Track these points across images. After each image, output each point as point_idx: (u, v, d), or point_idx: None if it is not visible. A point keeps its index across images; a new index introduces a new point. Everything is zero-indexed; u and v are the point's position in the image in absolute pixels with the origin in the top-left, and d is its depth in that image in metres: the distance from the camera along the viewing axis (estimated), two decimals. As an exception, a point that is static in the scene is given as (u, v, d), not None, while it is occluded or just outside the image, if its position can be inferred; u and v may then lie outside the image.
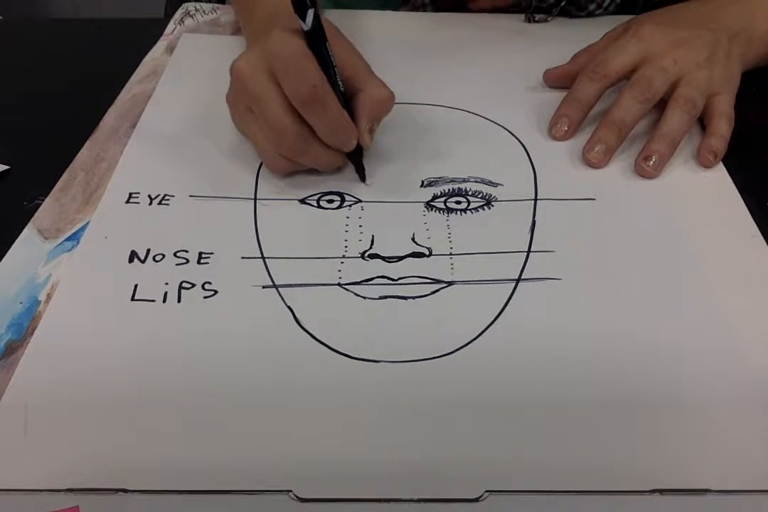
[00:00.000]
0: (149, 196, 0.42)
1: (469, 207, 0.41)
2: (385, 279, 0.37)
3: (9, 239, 0.39)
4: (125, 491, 0.28)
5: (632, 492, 0.28)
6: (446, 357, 0.33)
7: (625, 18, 0.51)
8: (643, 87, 0.44)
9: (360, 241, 0.39)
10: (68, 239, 0.39)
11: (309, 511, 0.27)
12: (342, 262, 0.38)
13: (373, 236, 0.39)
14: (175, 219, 0.40)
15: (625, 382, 0.32)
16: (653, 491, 0.28)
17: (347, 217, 0.40)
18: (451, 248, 0.38)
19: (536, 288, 0.36)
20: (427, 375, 0.32)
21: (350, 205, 0.41)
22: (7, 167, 0.44)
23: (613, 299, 0.35)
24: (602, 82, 0.45)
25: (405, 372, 0.32)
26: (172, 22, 0.60)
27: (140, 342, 0.33)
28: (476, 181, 0.42)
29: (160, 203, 0.41)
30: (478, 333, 0.34)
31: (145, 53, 0.56)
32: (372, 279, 0.37)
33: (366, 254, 0.38)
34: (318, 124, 0.38)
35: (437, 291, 0.36)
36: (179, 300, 0.35)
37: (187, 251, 0.38)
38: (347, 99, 0.40)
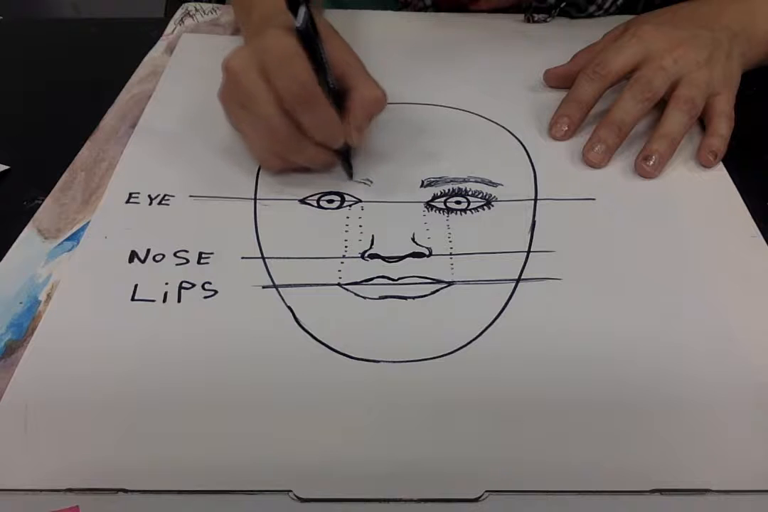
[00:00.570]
0: (149, 196, 0.42)
1: (469, 207, 0.41)
2: (385, 279, 0.36)
3: (9, 239, 0.39)
4: (125, 491, 0.28)
5: (632, 492, 0.28)
6: (446, 357, 0.33)
7: (625, 18, 0.51)
8: (643, 87, 0.44)
9: (360, 241, 0.39)
10: (68, 239, 0.39)
11: (309, 511, 0.27)
12: (342, 262, 0.38)
13: (373, 236, 0.39)
14: (175, 219, 0.40)
15: (625, 382, 0.32)
16: (653, 491, 0.28)
17: (347, 217, 0.40)
18: (451, 248, 0.38)
19: (536, 288, 0.36)
20: (427, 375, 0.32)
21: (350, 205, 0.41)
22: (7, 167, 0.45)
23: (613, 299, 0.35)
24: (602, 82, 0.45)
25: (405, 372, 0.32)
26: (172, 22, 0.60)
27: (140, 342, 0.33)
28: (476, 181, 0.42)
29: (160, 203, 0.41)
30: (478, 333, 0.34)
31: (145, 53, 0.56)
32: (372, 279, 0.37)
33: (366, 254, 0.38)
34: (306, 121, 0.38)
35: (437, 291, 0.36)
36: (179, 300, 0.35)
37: (187, 251, 0.38)
38: (339, 97, 0.39)
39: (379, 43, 0.54)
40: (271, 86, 0.37)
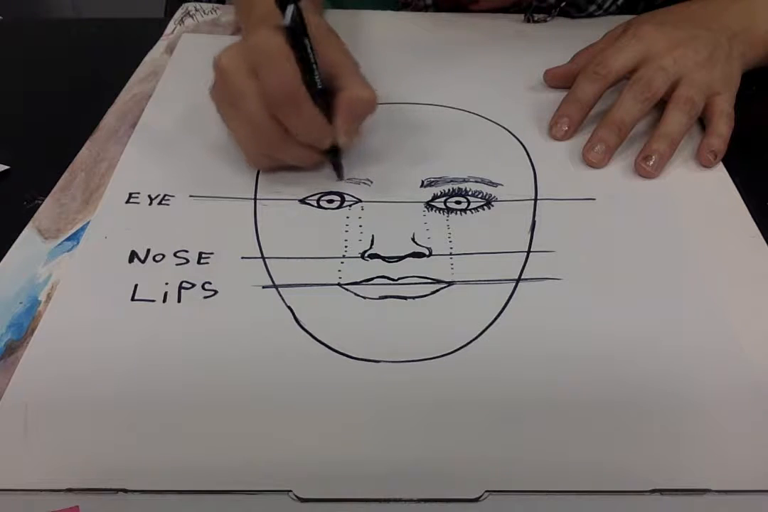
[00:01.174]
0: (149, 196, 0.42)
1: (469, 207, 0.41)
2: (385, 279, 0.36)
3: (9, 239, 0.39)
4: (125, 491, 0.28)
5: (632, 492, 0.28)
6: (446, 357, 0.33)
7: (625, 18, 0.51)
8: (643, 87, 0.44)
9: (360, 240, 0.39)
10: (68, 239, 0.39)
11: (309, 511, 0.27)
12: (342, 262, 0.38)
13: (373, 236, 0.39)
14: (175, 219, 0.40)
15: (625, 382, 0.32)
16: (653, 491, 0.28)
17: (347, 217, 0.40)
18: (451, 248, 0.38)
19: (536, 288, 0.36)
20: (427, 375, 0.32)
21: (350, 205, 0.41)
22: (7, 167, 0.44)
23: (613, 299, 0.35)
24: (602, 82, 0.45)
25: (405, 372, 0.32)
26: (172, 22, 0.60)
27: (140, 342, 0.33)
28: (476, 181, 0.42)
29: (160, 203, 0.41)
30: (478, 333, 0.34)
31: (145, 53, 0.56)
32: (372, 279, 0.37)
33: (366, 254, 0.38)
34: (290, 122, 0.38)
35: (437, 291, 0.36)
36: (179, 300, 0.35)
37: (187, 251, 0.38)
38: (329, 98, 0.39)
39: (379, 43, 0.54)
40: (259, 84, 0.37)
